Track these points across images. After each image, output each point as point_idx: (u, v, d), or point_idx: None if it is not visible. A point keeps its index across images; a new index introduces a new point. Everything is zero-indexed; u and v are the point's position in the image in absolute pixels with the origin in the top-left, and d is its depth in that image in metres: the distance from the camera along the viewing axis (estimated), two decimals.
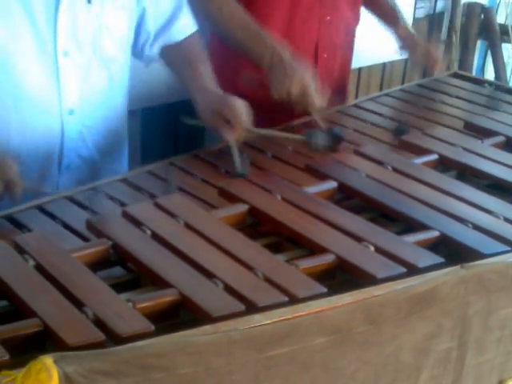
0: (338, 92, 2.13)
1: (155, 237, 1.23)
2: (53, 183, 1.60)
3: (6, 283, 1.07)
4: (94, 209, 1.40)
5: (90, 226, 1.28)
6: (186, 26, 1.76)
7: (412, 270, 1.16)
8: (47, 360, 0.83)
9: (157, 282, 1.13)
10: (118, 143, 1.76)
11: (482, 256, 1.22)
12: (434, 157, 1.61)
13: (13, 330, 0.98)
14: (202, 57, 1.73)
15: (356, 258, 1.19)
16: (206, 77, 1.68)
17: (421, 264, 1.18)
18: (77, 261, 1.15)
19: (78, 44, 1.54)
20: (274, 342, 0.97)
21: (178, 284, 1.09)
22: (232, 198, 1.39)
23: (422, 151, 1.64)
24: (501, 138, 1.74)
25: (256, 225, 1.36)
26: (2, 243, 1.19)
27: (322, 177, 1.50)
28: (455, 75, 2.34)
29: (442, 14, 3.50)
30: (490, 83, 2.26)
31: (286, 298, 1.07)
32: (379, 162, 1.55)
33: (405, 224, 1.36)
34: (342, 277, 1.20)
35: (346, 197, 1.46)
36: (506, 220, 1.35)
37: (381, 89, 3.14)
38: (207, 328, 0.96)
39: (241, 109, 1.56)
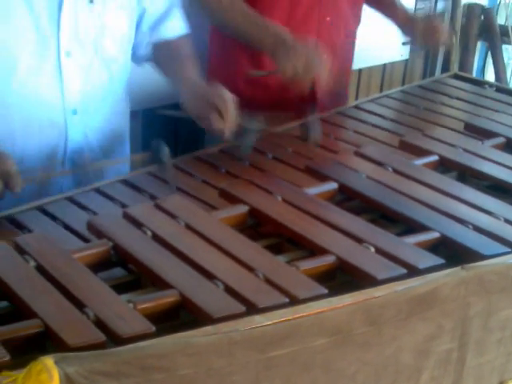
0: (339, 93, 2.13)
1: (156, 238, 1.23)
2: (57, 184, 1.60)
3: (7, 284, 1.07)
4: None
5: (90, 226, 1.28)
6: (176, 25, 1.77)
7: (412, 271, 1.16)
8: (48, 361, 0.83)
9: (157, 282, 1.13)
10: (121, 143, 1.76)
11: (483, 257, 1.22)
12: (434, 158, 1.61)
13: (13, 331, 0.98)
14: (191, 56, 1.74)
15: (356, 259, 1.19)
16: (194, 72, 1.68)
17: (421, 265, 1.18)
18: (77, 262, 1.15)
19: (81, 44, 1.54)
20: (275, 343, 0.97)
21: (179, 285, 1.09)
22: (232, 199, 1.39)
23: (422, 152, 1.64)
24: (501, 139, 1.75)
25: (256, 226, 1.36)
26: (2, 244, 1.19)
27: (323, 178, 1.50)
28: (455, 76, 2.34)
29: (442, 14, 3.49)
30: (491, 84, 2.26)
31: (287, 299, 1.07)
32: (379, 163, 1.56)
33: (405, 225, 1.36)
34: (342, 278, 1.20)
35: (347, 198, 1.47)
36: (507, 221, 1.35)
37: (381, 90, 3.14)
38: (208, 329, 0.95)
39: (230, 98, 1.56)
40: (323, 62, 1.72)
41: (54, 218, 1.39)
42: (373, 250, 1.22)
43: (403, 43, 2.11)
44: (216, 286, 1.10)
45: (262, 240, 1.30)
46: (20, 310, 1.04)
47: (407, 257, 1.20)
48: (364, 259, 1.20)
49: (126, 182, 1.55)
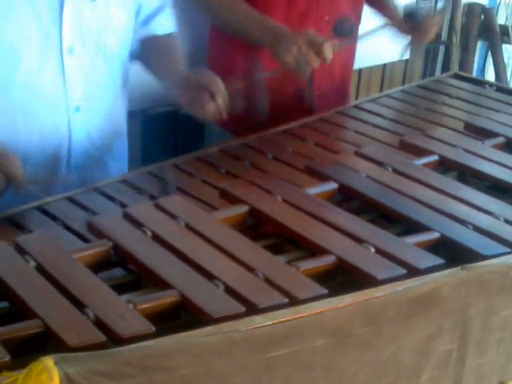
0: (340, 93, 2.13)
1: (156, 238, 1.23)
2: (67, 181, 1.60)
3: (7, 284, 1.07)
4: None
5: (90, 227, 1.28)
6: (165, 23, 1.77)
7: (412, 272, 1.16)
8: (48, 361, 0.83)
9: (157, 283, 1.13)
10: (121, 141, 1.77)
11: (483, 257, 1.22)
12: (434, 158, 1.61)
13: (14, 331, 0.98)
14: (178, 54, 1.75)
15: (356, 260, 1.19)
16: (180, 65, 1.69)
17: (421, 265, 1.18)
18: (78, 262, 1.15)
19: (83, 41, 1.54)
20: (275, 343, 0.97)
21: (179, 285, 1.09)
22: (232, 199, 1.39)
23: (422, 152, 1.64)
24: (501, 139, 1.74)
25: (256, 226, 1.36)
26: (2, 244, 1.19)
27: (323, 178, 1.50)
28: (455, 76, 2.34)
29: (441, 11, 3.49)
30: (491, 84, 2.26)
31: (287, 300, 1.07)
32: (379, 163, 1.55)
33: (405, 225, 1.36)
34: (342, 278, 1.20)
35: (347, 198, 1.46)
36: (507, 221, 1.35)
37: (381, 90, 3.14)
38: (208, 329, 0.95)
39: (218, 79, 1.57)
40: (326, 42, 1.73)
41: (54, 217, 1.39)
42: (373, 250, 1.22)
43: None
44: (216, 286, 1.10)
45: (262, 240, 1.30)
46: (20, 311, 1.05)
47: (407, 257, 1.20)
48: (364, 259, 1.20)
49: (125, 182, 1.55)
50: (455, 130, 1.84)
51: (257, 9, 1.90)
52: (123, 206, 1.41)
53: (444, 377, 1.18)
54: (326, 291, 1.10)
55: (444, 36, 3.54)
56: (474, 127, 1.84)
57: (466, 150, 1.65)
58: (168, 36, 1.78)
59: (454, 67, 3.41)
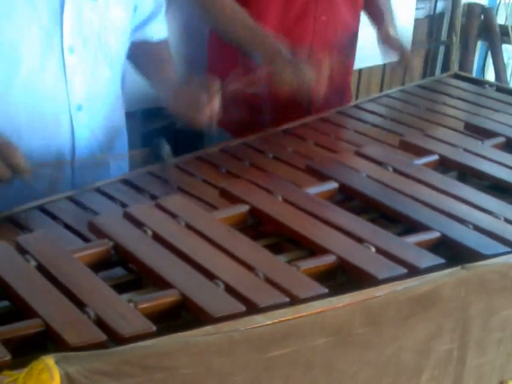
0: (340, 94, 2.13)
1: (156, 237, 1.23)
2: (67, 182, 1.60)
3: (8, 283, 1.07)
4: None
5: (91, 226, 1.28)
6: (159, 28, 1.78)
7: (413, 271, 1.17)
8: (49, 360, 0.83)
9: (158, 282, 1.13)
10: (121, 139, 1.77)
11: (483, 257, 1.22)
12: (434, 158, 1.61)
13: (14, 331, 0.98)
14: (170, 60, 1.76)
15: (357, 259, 1.19)
16: (172, 72, 1.70)
17: (421, 265, 1.18)
18: (78, 261, 1.15)
19: (84, 39, 1.55)
20: (275, 343, 0.97)
21: (179, 285, 1.09)
22: (233, 199, 1.39)
23: (422, 152, 1.64)
24: (501, 139, 1.74)
25: (257, 225, 1.36)
26: (3, 244, 1.19)
27: (323, 178, 1.50)
28: (455, 76, 2.34)
29: (442, 14, 3.50)
30: (491, 84, 2.26)
31: (287, 299, 1.07)
32: (380, 163, 1.56)
33: (405, 225, 1.36)
34: (342, 278, 1.20)
35: (347, 197, 1.47)
36: (507, 221, 1.35)
37: (381, 90, 3.14)
38: (208, 328, 0.95)
39: (215, 83, 1.57)
40: (319, 74, 1.73)
41: (54, 217, 1.39)
42: (373, 249, 1.22)
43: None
44: (216, 285, 1.10)
45: (263, 239, 1.30)
46: (21, 310, 1.05)
47: (408, 256, 1.20)
48: (364, 259, 1.20)
49: (126, 182, 1.55)
50: (455, 130, 1.85)
51: (254, 8, 1.89)
52: (124, 205, 1.41)
53: (444, 376, 1.18)
54: (326, 291, 1.10)
55: (444, 36, 3.54)
56: (474, 127, 1.84)
57: (466, 150, 1.65)
58: (160, 42, 1.78)
59: (454, 67, 3.41)
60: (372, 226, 1.31)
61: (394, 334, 1.08)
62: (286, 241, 1.31)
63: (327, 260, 1.20)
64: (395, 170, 1.53)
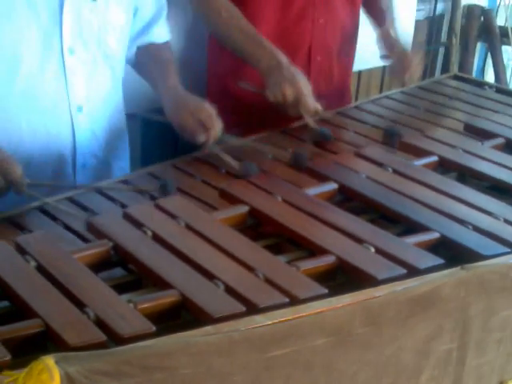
0: (339, 96, 2.13)
1: (156, 238, 1.23)
2: (69, 184, 1.60)
3: (8, 284, 1.07)
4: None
5: (90, 226, 1.28)
6: (162, 31, 1.79)
7: (412, 272, 1.17)
8: (49, 360, 0.83)
9: (158, 282, 1.13)
10: (123, 140, 1.77)
11: (483, 257, 1.22)
12: (434, 158, 1.61)
13: (14, 331, 0.98)
14: (172, 63, 1.75)
15: (356, 260, 1.19)
16: (175, 79, 1.70)
17: (421, 265, 1.18)
18: (78, 262, 1.15)
19: (84, 41, 1.55)
20: (275, 343, 0.97)
21: (179, 285, 1.09)
22: (233, 200, 1.40)
23: (422, 153, 1.64)
24: (501, 140, 1.75)
25: (257, 226, 1.36)
26: (3, 244, 1.19)
27: (323, 178, 1.50)
28: (455, 77, 2.34)
29: (442, 16, 3.50)
30: (490, 85, 2.26)
31: (287, 299, 1.07)
32: (379, 164, 1.56)
33: (405, 225, 1.36)
34: (342, 278, 1.20)
35: (347, 198, 1.47)
36: (506, 221, 1.35)
37: (380, 92, 3.13)
38: (208, 329, 0.96)
39: (215, 114, 1.57)
40: (312, 95, 1.74)
41: (54, 218, 1.39)
42: (373, 250, 1.22)
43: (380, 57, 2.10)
44: (216, 285, 1.10)
45: (262, 240, 1.30)
46: (21, 310, 1.05)
47: (407, 257, 1.20)
48: (364, 259, 1.20)
49: (126, 182, 1.55)
50: (455, 131, 1.85)
51: (251, 10, 1.89)
52: (123, 206, 1.41)
53: (444, 376, 1.18)
54: (326, 291, 1.10)
55: (444, 37, 3.55)
56: (473, 128, 1.84)
57: (465, 151, 1.65)
58: (163, 44, 1.79)
59: (454, 68, 3.41)
60: (371, 226, 1.31)
61: (393, 334, 1.08)
62: (285, 241, 1.31)
63: (327, 260, 1.20)
64: (395, 171, 1.53)
